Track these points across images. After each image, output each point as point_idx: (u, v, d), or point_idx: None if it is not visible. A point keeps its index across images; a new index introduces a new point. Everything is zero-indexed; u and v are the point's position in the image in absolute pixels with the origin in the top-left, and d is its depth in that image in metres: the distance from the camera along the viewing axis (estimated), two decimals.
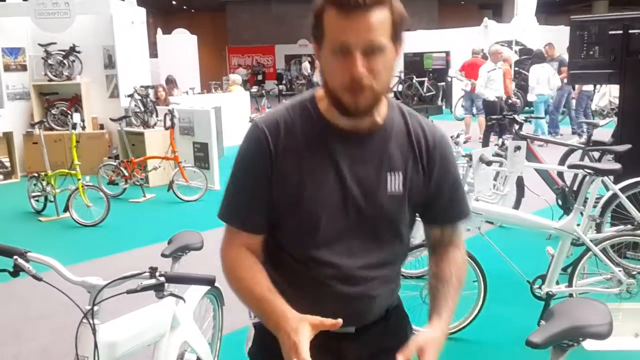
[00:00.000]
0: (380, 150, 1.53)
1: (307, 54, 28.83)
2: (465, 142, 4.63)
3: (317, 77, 19.69)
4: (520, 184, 5.97)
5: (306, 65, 26.27)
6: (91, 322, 1.95)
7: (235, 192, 1.57)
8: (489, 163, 3.53)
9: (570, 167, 4.32)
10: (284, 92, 25.53)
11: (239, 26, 33.29)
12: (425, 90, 19.10)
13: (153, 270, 1.92)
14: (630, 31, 5.12)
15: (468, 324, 3.94)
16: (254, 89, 20.99)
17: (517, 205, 6.00)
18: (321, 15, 1.40)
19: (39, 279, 1.94)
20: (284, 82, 28.38)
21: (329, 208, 1.50)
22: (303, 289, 1.53)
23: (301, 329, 1.36)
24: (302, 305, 1.43)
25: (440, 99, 19.50)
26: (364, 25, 1.34)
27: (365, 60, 1.36)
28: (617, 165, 4.07)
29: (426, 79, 19.36)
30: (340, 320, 1.38)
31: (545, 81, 11.51)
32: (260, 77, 30.70)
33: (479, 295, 3.90)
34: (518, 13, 15.73)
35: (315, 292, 1.53)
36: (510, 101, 11.03)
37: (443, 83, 19.28)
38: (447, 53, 20.63)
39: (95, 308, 1.99)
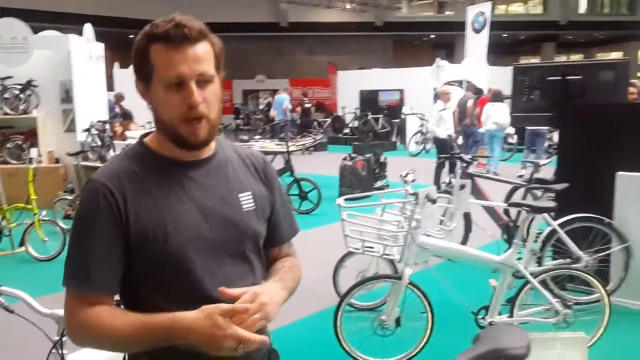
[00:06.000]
0: (224, 175, 1.59)
1: (265, 89, 29.15)
2: (413, 181, 4.84)
3: (273, 112, 19.85)
4: (467, 219, 6.25)
5: (263, 100, 26.50)
6: (60, 352, 2.07)
7: (82, 254, 1.47)
8: (434, 201, 3.77)
9: (510, 205, 4.61)
10: (241, 127, 25.69)
11: None
12: (380, 126, 19.54)
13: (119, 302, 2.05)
14: (568, 77, 5.51)
15: (416, 354, 4.12)
16: None
17: (465, 240, 6.26)
18: (146, 53, 1.46)
19: (11, 311, 2.06)
20: (241, 116, 28.58)
21: (195, 239, 1.49)
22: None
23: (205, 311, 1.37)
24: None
25: (394, 135, 19.95)
26: (194, 57, 1.43)
27: (198, 92, 1.44)
28: (552, 204, 4.35)
29: (381, 115, 19.81)
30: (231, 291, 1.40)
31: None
32: None
33: (427, 325, 4.08)
34: (467, 54, 16.33)
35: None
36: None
37: (397, 120, 19.74)
38: (401, 91, 21.19)
39: (64, 338, 2.10)
